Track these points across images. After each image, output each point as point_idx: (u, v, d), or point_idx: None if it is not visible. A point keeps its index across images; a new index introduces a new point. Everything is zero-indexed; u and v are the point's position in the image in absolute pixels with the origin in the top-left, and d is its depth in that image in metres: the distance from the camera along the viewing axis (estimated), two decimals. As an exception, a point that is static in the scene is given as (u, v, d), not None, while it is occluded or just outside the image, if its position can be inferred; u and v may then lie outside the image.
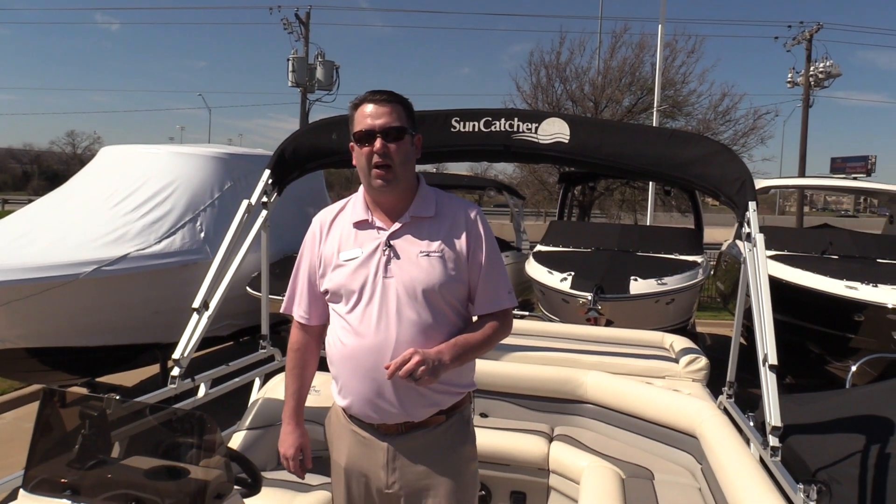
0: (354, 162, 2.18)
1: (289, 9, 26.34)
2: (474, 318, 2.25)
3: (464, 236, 2.16)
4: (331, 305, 2.22)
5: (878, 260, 8.47)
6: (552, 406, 3.91)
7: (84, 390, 6.82)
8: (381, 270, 2.10)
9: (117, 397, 2.16)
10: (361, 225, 2.19)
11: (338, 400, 2.23)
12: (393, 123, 2.10)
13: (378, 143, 2.07)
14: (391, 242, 2.13)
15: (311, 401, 3.27)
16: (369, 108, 2.11)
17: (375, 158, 2.08)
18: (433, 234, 2.15)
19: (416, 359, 1.94)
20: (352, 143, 2.16)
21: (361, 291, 2.11)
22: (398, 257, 2.11)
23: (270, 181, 3.94)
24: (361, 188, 2.24)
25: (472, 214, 2.20)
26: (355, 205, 2.24)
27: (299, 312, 2.33)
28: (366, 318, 2.09)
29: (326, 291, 2.21)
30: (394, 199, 2.16)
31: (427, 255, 2.11)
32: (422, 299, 2.08)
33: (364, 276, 2.11)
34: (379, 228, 2.16)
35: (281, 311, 2.41)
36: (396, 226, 2.15)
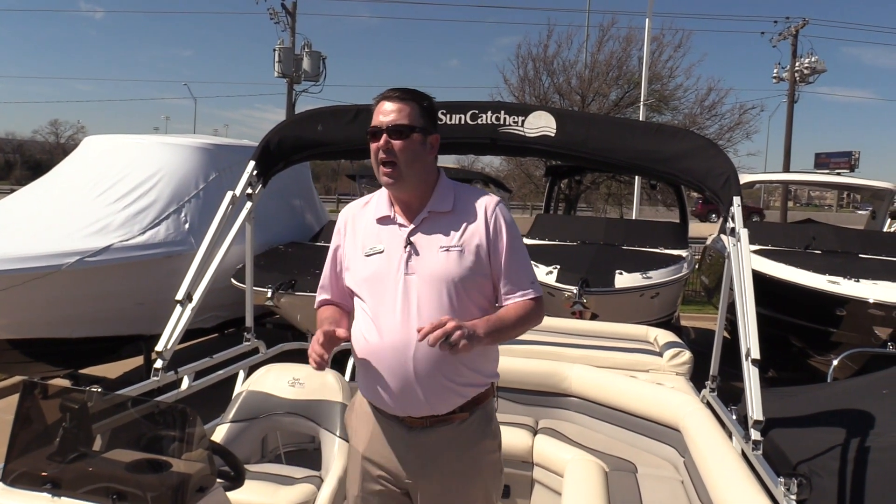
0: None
1: (275, -1, 26.18)
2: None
3: (483, 229, 2.17)
4: (355, 301, 2.25)
5: (861, 255, 8.54)
6: (536, 399, 3.92)
7: (67, 382, 6.78)
8: (402, 267, 2.12)
9: (99, 390, 2.14)
10: (384, 221, 2.21)
11: (363, 392, 2.26)
12: (399, 121, 2.10)
13: (382, 140, 2.09)
14: (411, 238, 2.15)
15: (295, 393, 3.27)
16: (384, 104, 2.14)
17: (380, 155, 2.10)
18: (453, 228, 2.16)
19: (452, 324, 1.91)
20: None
21: (384, 288, 2.13)
22: (418, 253, 2.13)
23: (255, 173, 3.92)
24: None
25: (492, 206, 2.21)
26: (380, 200, 2.26)
27: (322, 299, 2.38)
28: (389, 315, 2.11)
29: (351, 286, 2.24)
30: (408, 195, 2.18)
31: (447, 250, 2.12)
32: (444, 294, 2.10)
33: (386, 273, 2.13)
34: (400, 225, 2.18)
35: (316, 306, 2.40)
36: (416, 221, 2.17)
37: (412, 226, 2.16)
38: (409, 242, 2.14)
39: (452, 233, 2.15)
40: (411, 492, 2.23)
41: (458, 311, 2.09)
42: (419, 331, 1.94)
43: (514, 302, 2.19)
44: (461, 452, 2.19)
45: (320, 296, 2.39)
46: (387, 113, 2.11)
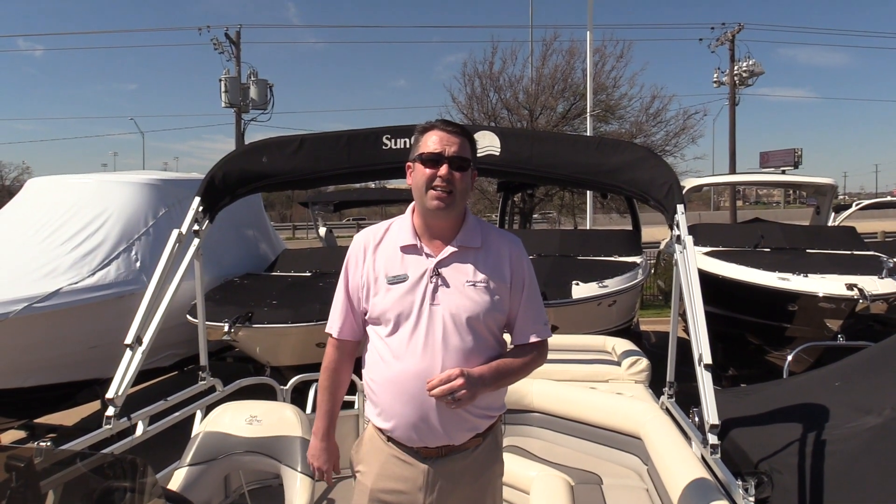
0: (409, 182, 2.25)
1: (218, 28, 26.03)
2: (510, 347, 2.32)
3: (508, 269, 2.24)
4: (372, 328, 2.26)
5: (808, 250, 8.78)
6: None
7: (22, 433, 6.58)
8: (428, 297, 2.15)
9: (47, 444, 2.08)
10: (409, 249, 2.23)
11: (377, 422, 2.25)
12: (462, 154, 2.19)
13: (444, 169, 2.15)
14: (439, 270, 2.18)
15: (254, 431, 3.22)
16: (441, 134, 2.20)
17: (438, 182, 2.15)
18: (479, 264, 2.21)
19: (460, 381, 2.01)
20: (409, 164, 2.25)
21: (408, 317, 2.15)
22: (447, 285, 2.17)
23: (201, 208, 3.87)
24: (408, 212, 2.29)
25: (517, 248, 2.29)
26: (402, 228, 2.28)
27: (335, 329, 2.35)
28: (412, 344, 2.13)
29: (367, 312, 2.25)
30: (445, 224, 2.22)
31: (473, 285, 2.17)
32: (466, 327, 2.14)
33: (411, 302, 2.15)
34: (427, 255, 2.21)
35: (328, 331, 2.40)
36: (445, 253, 2.20)
37: (440, 256, 2.20)
38: (436, 273, 2.17)
39: (479, 269, 2.20)
40: None
41: (478, 342, 2.16)
42: (428, 382, 2.02)
43: (522, 345, 2.29)
44: (475, 478, 2.24)
45: (332, 327, 2.36)
46: (448, 142, 2.18)
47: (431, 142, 2.18)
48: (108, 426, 3.24)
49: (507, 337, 2.36)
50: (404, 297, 2.16)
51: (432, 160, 2.16)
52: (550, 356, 4.44)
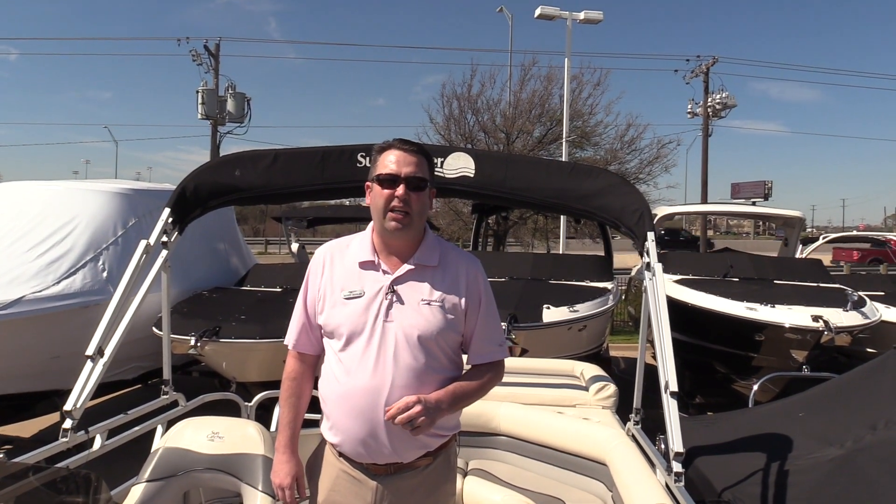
0: (368, 201, 2.26)
1: (198, 40, 25.96)
2: (467, 367, 2.32)
3: (464, 289, 2.25)
4: (327, 342, 2.26)
5: (776, 281, 8.90)
6: (466, 440, 3.89)
7: (-25, 444, 6.41)
8: (382, 314, 2.16)
9: (0, 456, 2.03)
10: (367, 265, 2.24)
11: (328, 436, 2.26)
12: (418, 174, 2.19)
13: (401, 190, 2.16)
14: (395, 287, 2.19)
15: (215, 448, 3.16)
16: (398, 154, 2.20)
17: (395, 202, 2.15)
18: (435, 283, 2.22)
19: (418, 408, 2.03)
20: (368, 183, 2.26)
21: (361, 332, 2.16)
22: (401, 302, 2.18)
23: (170, 220, 3.82)
24: (369, 228, 2.30)
25: (474, 267, 2.31)
26: (362, 244, 2.29)
27: (291, 341, 2.37)
28: (363, 360, 2.14)
29: (325, 326, 2.25)
30: (403, 244, 2.23)
31: (428, 304, 2.19)
32: (419, 345, 2.15)
33: (365, 318, 2.16)
34: (384, 272, 2.22)
35: (286, 343, 2.41)
36: (401, 271, 2.21)
37: (397, 274, 2.21)
38: (391, 290, 2.18)
39: (435, 287, 2.21)
40: None
41: (430, 361, 2.16)
42: (387, 410, 2.03)
43: (480, 364, 2.30)
44: (425, 497, 2.23)
45: (289, 339, 2.38)
46: (404, 163, 2.18)
47: (388, 161, 2.20)
48: (64, 439, 3.16)
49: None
50: (359, 312, 2.17)
51: (389, 181, 2.17)
52: (519, 379, 4.47)
